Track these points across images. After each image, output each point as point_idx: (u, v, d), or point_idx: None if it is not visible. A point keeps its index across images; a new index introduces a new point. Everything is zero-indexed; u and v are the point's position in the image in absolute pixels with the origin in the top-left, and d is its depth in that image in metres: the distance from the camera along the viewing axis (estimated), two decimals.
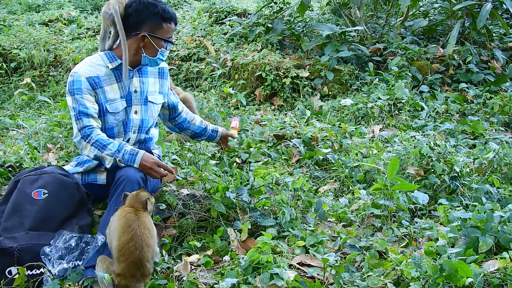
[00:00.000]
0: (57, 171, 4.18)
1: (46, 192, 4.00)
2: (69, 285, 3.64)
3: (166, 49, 4.27)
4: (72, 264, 3.78)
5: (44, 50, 10.19)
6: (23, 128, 6.75)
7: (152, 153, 4.33)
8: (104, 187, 4.31)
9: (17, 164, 5.00)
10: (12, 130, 6.87)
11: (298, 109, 8.09)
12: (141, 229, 3.56)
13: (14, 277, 3.66)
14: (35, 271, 3.73)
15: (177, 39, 10.77)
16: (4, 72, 9.73)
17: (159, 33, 4.18)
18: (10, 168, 4.95)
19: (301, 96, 8.65)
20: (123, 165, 4.00)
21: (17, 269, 3.67)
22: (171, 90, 4.70)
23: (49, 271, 3.71)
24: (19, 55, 9.90)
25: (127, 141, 4.28)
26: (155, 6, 4.13)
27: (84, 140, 4.06)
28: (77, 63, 4.32)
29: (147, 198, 3.72)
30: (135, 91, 4.31)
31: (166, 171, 4.06)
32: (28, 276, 3.68)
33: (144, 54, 4.19)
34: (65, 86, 8.66)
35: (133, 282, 3.48)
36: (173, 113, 4.76)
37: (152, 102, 4.41)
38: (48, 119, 6.73)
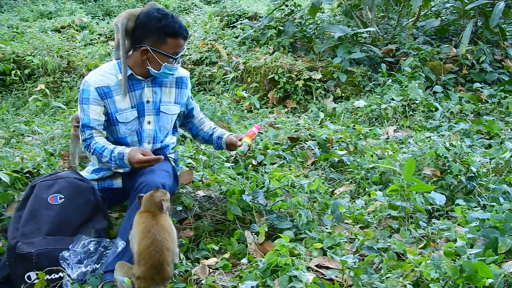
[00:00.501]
0: (72, 176, 4.19)
1: (62, 197, 4.01)
2: None
3: (172, 63, 4.17)
4: (90, 268, 3.79)
5: (57, 56, 10.24)
6: (38, 134, 6.78)
7: (168, 159, 4.35)
8: (120, 190, 4.34)
9: (35, 171, 5.02)
10: (28, 136, 6.89)
11: (312, 111, 8.08)
12: (160, 233, 3.55)
13: (34, 282, 3.66)
14: (54, 275, 3.73)
15: (189, 43, 10.79)
16: (18, 78, 9.77)
17: (162, 48, 4.09)
18: (27, 174, 4.96)
19: (314, 98, 8.65)
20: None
21: (36, 274, 3.68)
22: (191, 99, 4.67)
23: (68, 276, 3.71)
24: (32, 61, 9.94)
25: None
26: (159, 21, 4.05)
27: (87, 150, 4.18)
28: (90, 69, 4.34)
29: (161, 199, 3.71)
30: (148, 101, 4.28)
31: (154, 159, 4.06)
32: (47, 281, 3.68)
33: (149, 67, 4.18)
34: (78, 92, 8.78)
35: (153, 285, 3.47)
36: (184, 118, 4.72)
37: (165, 113, 4.35)
38: (63, 125, 6.75)
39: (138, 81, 4.24)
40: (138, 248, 3.54)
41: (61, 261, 3.75)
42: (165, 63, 4.13)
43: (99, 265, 3.83)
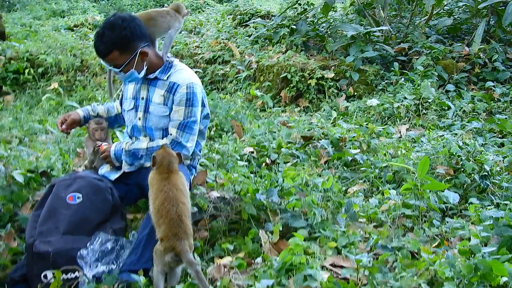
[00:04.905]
0: (91, 176, 4.22)
1: (81, 196, 4.03)
2: None
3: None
4: (107, 268, 3.81)
5: (70, 55, 10.26)
6: (51, 133, 6.81)
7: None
8: (130, 186, 4.40)
9: (49, 170, 5.05)
10: (41, 135, 6.93)
11: (324, 110, 8.09)
12: (173, 190, 3.68)
13: (50, 281, 3.68)
14: (70, 274, 3.75)
15: (202, 42, 10.84)
16: (31, 77, 9.79)
17: None
18: (42, 175, 4.99)
19: (327, 97, 8.66)
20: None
21: (53, 273, 3.69)
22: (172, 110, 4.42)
23: (85, 275, 3.74)
24: (46, 60, 9.96)
25: None
26: None
27: None
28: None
29: (177, 152, 3.95)
30: (142, 98, 4.37)
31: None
32: (63, 280, 3.71)
33: None
34: (92, 90, 8.81)
35: (177, 241, 3.51)
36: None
37: (153, 113, 4.34)
38: None
39: (142, 77, 4.33)
40: (153, 207, 3.66)
41: (78, 260, 3.77)
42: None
43: (115, 265, 3.85)
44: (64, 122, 4.48)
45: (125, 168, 4.31)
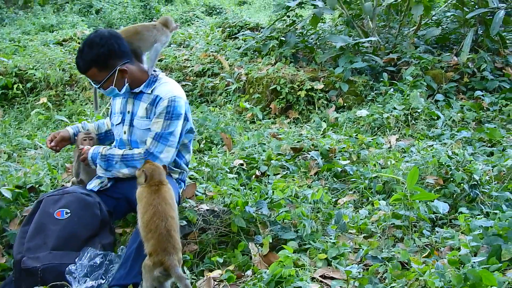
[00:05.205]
0: (79, 191, 4.21)
1: (69, 211, 4.02)
2: None
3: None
4: (96, 283, 3.79)
5: (59, 69, 10.25)
6: (40, 148, 6.79)
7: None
8: (118, 200, 4.37)
9: (38, 186, 5.03)
10: (30, 150, 6.91)
11: (314, 121, 8.10)
12: (162, 205, 3.67)
13: None
14: None
15: (191, 55, 10.83)
16: (20, 92, 9.78)
17: None
18: (30, 191, 4.97)
19: (316, 108, 8.66)
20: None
21: None
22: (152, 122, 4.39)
23: None
24: (34, 75, 9.95)
25: None
26: None
27: None
28: None
29: (163, 165, 3.97)
30: (128, 112, 4.37)
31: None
32: None
33: None
34: (81, 105, 8.78)
35: (166, 256, 3.50)
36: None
37: (137, 127, 4.34)
38: None
39: (126, 92, 4.33)
40: (142, 222, 3.64)
41: (67, 275, 3.76)
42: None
43: (104, 280, 3.83)
44: (53, 139, 4.48)
45: (99, 172, 4.29)
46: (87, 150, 4.31)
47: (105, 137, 4.78)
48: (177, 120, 4.25)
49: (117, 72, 4.16)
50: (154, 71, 4.40)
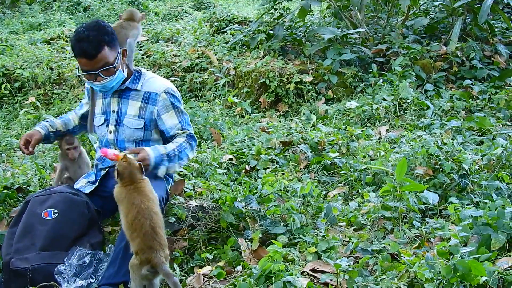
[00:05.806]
0: (66, 191, 4.19)
1: (56, 211, 4.00)
2: None
3: (90, 80, 4.17)
4: (85, 282, 3.77)
5: (47, 68, 10.20)
6: None
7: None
8: (106, 199, 4.30)
9: (26, 186, 5.00)
10: (18, 150, 6.88)
11: (304, 114, 8.07)
12: (145, 202, 3.62)
13: None
14: None
15: (179, 51, 10.79)
16: (8, 92, 9.73)
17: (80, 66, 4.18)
18: (18, 192, 4.95)
19: (306, 101, 8.64)
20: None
21: None
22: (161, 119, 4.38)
23: None
24: (22, 74, 9.90)
25: None
26: (72, 41, 4.09)
27: None
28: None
29: (139, 163, 3.80)
30: (113, 111, 4.34)
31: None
32: None
33: None
34: (70, 103, 8.74)
35: (153, 253, 3.47)
36: (164, 138, 4.51)
37: (127, 126, 4.31)
38: None
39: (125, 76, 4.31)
40: (126, 221, 3.59)
41: (56, 275, 3.75)
42: (87, 79, 4.23)
43: (94, 279, 3.82)
44: (27, 144, 4.38)
45: (161, 173, 4.18)
46: (143, 157, 4.02)
47: (73, 132, 4.72)
48: (182, 104, 4.40)
49: (120, 52, 4.17)
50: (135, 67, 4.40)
